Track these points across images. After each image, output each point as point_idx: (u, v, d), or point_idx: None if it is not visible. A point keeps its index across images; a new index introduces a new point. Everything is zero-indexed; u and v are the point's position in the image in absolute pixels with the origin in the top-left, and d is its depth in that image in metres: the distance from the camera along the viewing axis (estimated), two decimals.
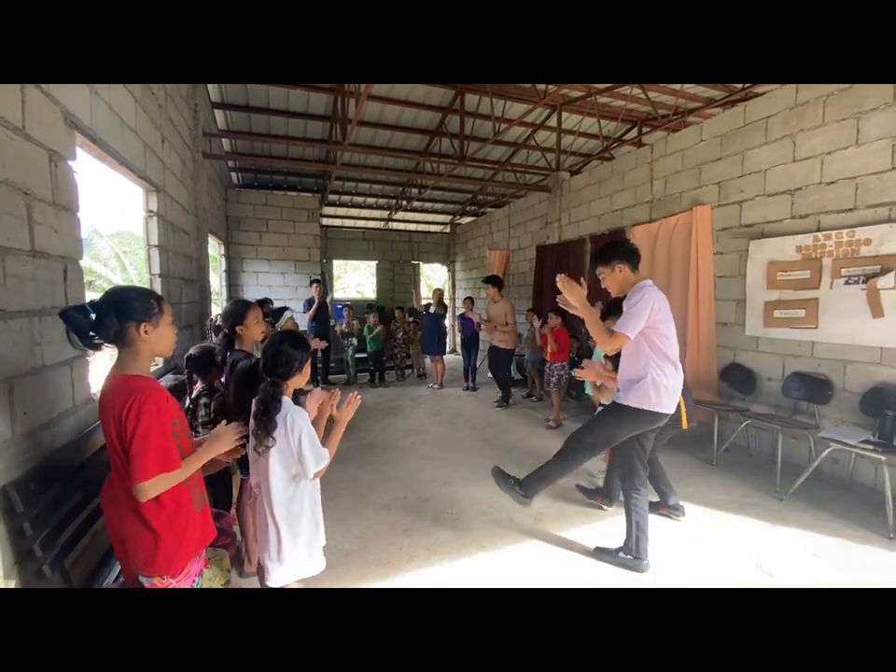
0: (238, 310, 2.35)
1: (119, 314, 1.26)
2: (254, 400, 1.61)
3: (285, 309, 4.22)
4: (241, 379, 2.12)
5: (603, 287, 2.44)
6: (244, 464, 2.13)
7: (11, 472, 1.54)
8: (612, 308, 2.89)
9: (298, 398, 1.75)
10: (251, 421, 1.61)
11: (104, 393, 1.29)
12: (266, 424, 1.54)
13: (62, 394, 1.99)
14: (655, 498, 2.93)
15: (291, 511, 1.60)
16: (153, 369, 3.35)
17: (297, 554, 1.62)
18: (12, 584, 1.28)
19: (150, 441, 1.22)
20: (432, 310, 7.11)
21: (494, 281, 6.01)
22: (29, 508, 1.52)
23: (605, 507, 3.01)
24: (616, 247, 2.37)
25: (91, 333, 1.24)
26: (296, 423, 1.56)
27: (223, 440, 1.50)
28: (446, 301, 8.16)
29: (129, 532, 1.32)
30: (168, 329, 1.38)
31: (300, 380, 1.68)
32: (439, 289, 7.61)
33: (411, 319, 7.85)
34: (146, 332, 1.30)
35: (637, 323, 2.15)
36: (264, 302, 5.67)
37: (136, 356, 1.31)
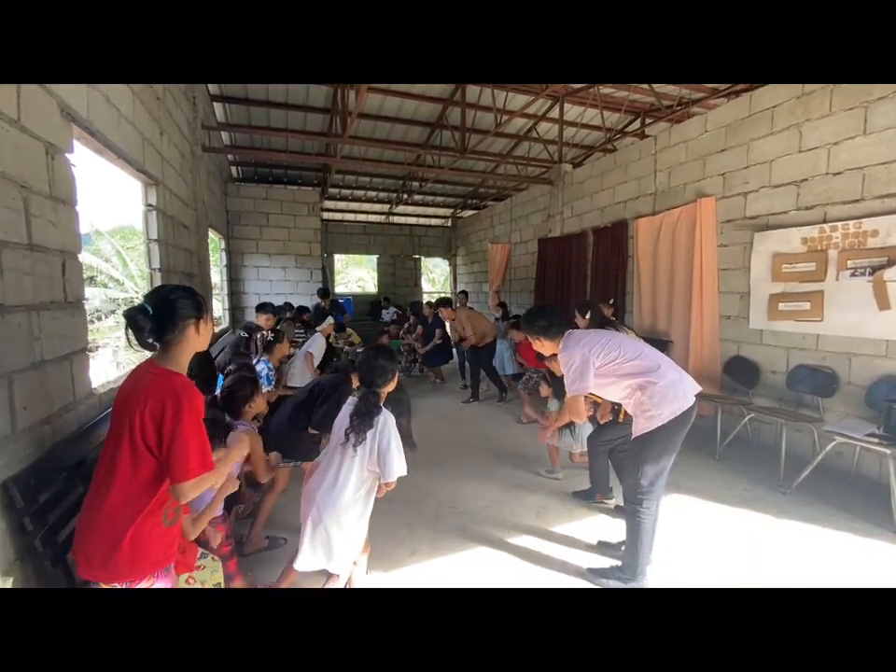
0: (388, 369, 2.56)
1: (183, 313, 1.29)
2: (353, 404, 1.80)
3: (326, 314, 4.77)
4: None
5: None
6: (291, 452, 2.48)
7: (11, 468, 1.53)
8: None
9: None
10: (347, 420, 1.78)
11: (137, 383, 1.27)
12: (362, 426, 1.72)
13: (62, 389, 1.98)
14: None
15: (354, 512, 1.77)
16: None
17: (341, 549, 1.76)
18: (11, 580, 1.27)
19: (191, 440, 1.21)
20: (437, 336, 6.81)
21: (442, 304, 6.02)
22: (29, 503, 1.51)
23: (607, 501, 3.00)
24: (532, 322, 2.28)
25: (150, 335, 1.26)
26: (387, 424, 1.74)
27: (245, 442, 1.58)
28: (447, 296, 8.10)
29: (87, 523, 1.27)
30: (211, 323, 1.42)
31: (391, 386, 1.90)
32: (430, 303, 7.54)
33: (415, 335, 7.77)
34: (201, 328, 1.34)
35: (583, 379, 2.07)
36: (304, 310, 5.99)
37: (184, 353, 1.33)
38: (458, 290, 7.12)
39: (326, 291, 7.60)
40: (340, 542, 1.75)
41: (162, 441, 1.20)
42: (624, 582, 2.17)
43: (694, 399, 2.12)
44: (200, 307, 1.35)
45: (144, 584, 1.28)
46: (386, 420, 1.75)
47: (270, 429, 2.62)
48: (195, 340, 1.34)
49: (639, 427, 2.12)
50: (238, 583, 1.99)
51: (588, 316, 3.61)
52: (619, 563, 2.25)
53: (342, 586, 2.00)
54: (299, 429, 2.51)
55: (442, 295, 8.89)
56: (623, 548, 2.34)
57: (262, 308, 4.64)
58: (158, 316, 1.26)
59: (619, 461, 2.80)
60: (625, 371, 2.10)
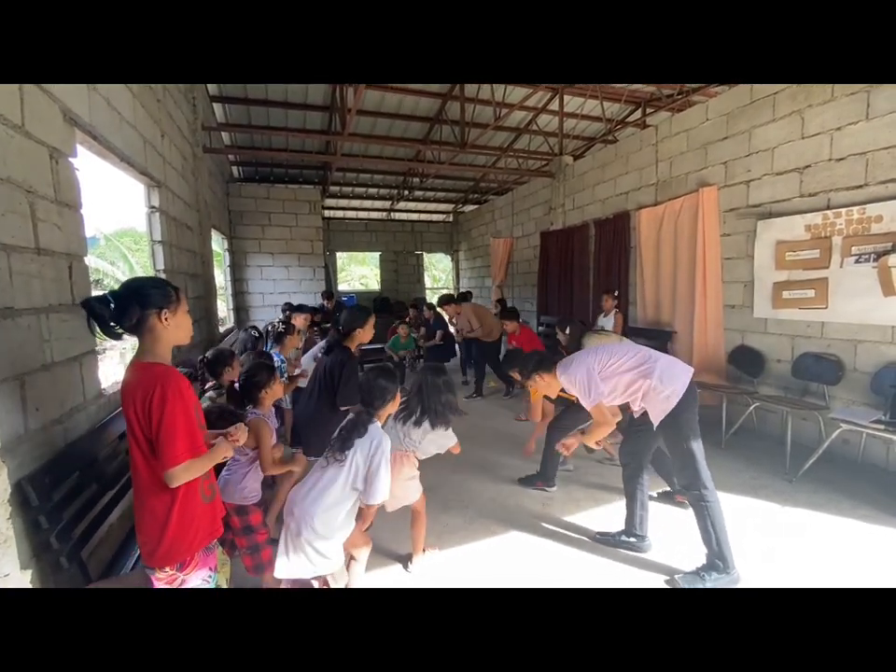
0: (361, 315, 2.62)
1: (141, 302, 1.28)
2: (347, 419, 1.86)
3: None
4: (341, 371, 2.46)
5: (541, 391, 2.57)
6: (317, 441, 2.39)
7: (25, 467, 1.57)
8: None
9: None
10: (336, 434, 1.83)
11: (126, 382, 1.30)
12: (344, 441, 1.75)
13: (72, 389, 2.01)
14: (665, 488, 2.94)
15: (332, 527, 1.72)
16: None
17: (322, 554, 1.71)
18: (29, 576, 1.30)
19: (178, 426, 1.23)
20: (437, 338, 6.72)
21: (446, 300, 6.06)
22: (44, 501, 1.55)
23: (548, 489, 3.13)
24: (526, 363, 2.50)
25: (112, 323, 1.26)
26: (381, 447, 1.73)
27: (244, 431, 1.56)
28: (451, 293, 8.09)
29: (139, 522, 1.34)
30: (186, 316, 1.40)
31: (392, 407, 1.94)
32: (430, 304, 7.44)
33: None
34: (166, 320, 1.32)
35: (596, 388, 2.15)
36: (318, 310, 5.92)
37: (157, 343, 1.33)
38: (462, 292, 6.99)
39: (330, 293, 7.62)
40: (318, 554, 1.71)
41: (148, 430, 1.23)
42: (634, 538, 2.37)
43: (690, 375, 2.20)
44: (166, 298, 1.33)
45: (194, 561, 1.35)
46: (381, 442, 1.74)
47: (297, 420, 2.67)
48: (164, 330, 1.32)
49: (660, 410, 2.15)
50: (269, 574, 2.03)
51: (568, 332, 3.64)
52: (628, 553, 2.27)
53: (339, 584, 2.01)
54: (325, 413, 2.49)
55: (445, 292, 8.90)
56: (622, 536, 2.43)
57: (300, 309, 4.74)
58: (118, 305, 1.26)
59: (660, 462, 2.80)
60: (625, 367, 2.20)
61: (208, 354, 2.66)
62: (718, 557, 2.07)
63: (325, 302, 7.24)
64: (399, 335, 6.71)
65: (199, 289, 4.77)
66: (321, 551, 1.70)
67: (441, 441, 2.26)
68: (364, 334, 2.60)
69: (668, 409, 2.11)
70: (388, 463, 1.74)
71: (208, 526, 1.41)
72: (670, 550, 2.38)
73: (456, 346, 6.70)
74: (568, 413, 3.10)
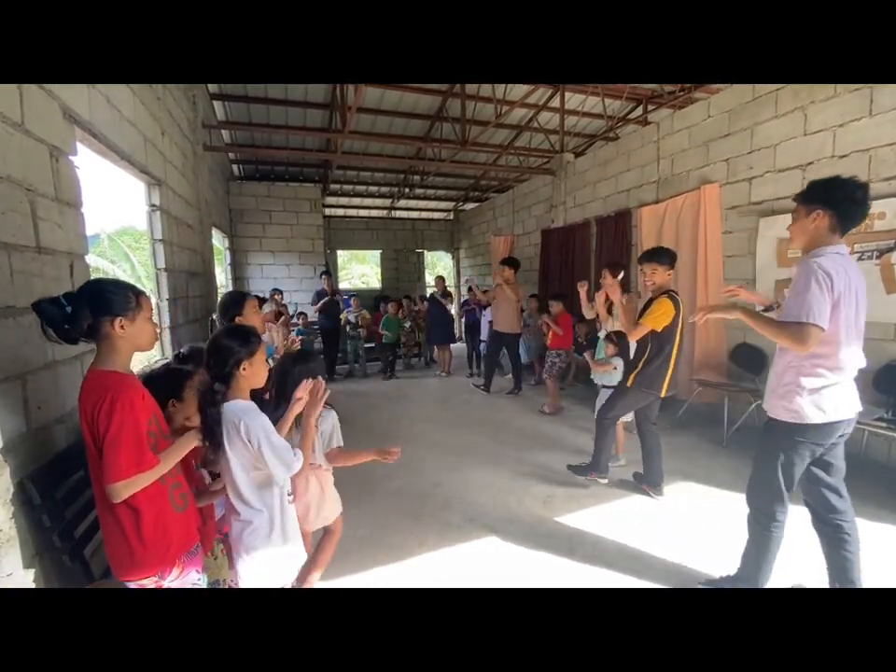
0: (235, 300, 2.38)
1: (93, 307, 1.22)
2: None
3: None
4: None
5: (787, 229, 1.91)
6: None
7: (28, 466, 1.57)
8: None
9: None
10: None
11: (81, 389, 1.25)
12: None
13: (74, 388, 1.99)
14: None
15: (256, 522, 1.46)
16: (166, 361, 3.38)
17: (257, 566, 1.48)
18: (32, 575, 1.31)
19: (123, 439, 1.17)
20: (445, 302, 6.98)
21: (513, 263, 5.64)
22: (46, 500, 1.55)
23: (654, 495, 2.95)
24: (829, 187, 1.78)
25: (67, 326, 1.20)
26: (251, 430, 1.38)
27: (191, 438, 1.42)
28: (450, 290, 8.09)
29: (105, 534, 1.29)
30: (146, 323, 1.32)
31: (253, 377, 1.47)
32: (441, 277, 7.51)
33: (419, 307, 7.75)
34: (121, 328, 1.24)
35: (822, 309, 1.58)
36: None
37: (113, 351, 1.26)
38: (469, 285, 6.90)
39: (328, 272, 7.16)
40: (252, 568, 1.46)
41: (98, 441, 1.18)
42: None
43: (846, 419, 1.73)
44: (123, 305, 1.25)
45: (175, 571, 1.30)
46: (249, 424, 1.39)
47: None
48: (120, 338, 1.25)
49: (779, 404, 1.80)
50: None
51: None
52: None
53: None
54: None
55: (448, 289, 8.87)
56: (746, 566, 2.00)
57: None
58: (73, 310, 1.21)
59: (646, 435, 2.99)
60: (831, 339, 1.65)
61: (183, 350, 2.40)
62: (750, 578, 1.95)
63: (323, 284, 6.87)
64: (388, 314, 6.95)
65: (200, 288, 4.76)
66: (260, 565, 1.47)
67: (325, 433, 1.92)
68: (247, 320, 2.27)
69: (795, 419, 1.73)
70: (267, 432, 1.40)
71: (184, 535, 1.36)
72: (675, 551, 2.38)
73: (464, 336, 6.83)
74: (614, 400, 2.99)
